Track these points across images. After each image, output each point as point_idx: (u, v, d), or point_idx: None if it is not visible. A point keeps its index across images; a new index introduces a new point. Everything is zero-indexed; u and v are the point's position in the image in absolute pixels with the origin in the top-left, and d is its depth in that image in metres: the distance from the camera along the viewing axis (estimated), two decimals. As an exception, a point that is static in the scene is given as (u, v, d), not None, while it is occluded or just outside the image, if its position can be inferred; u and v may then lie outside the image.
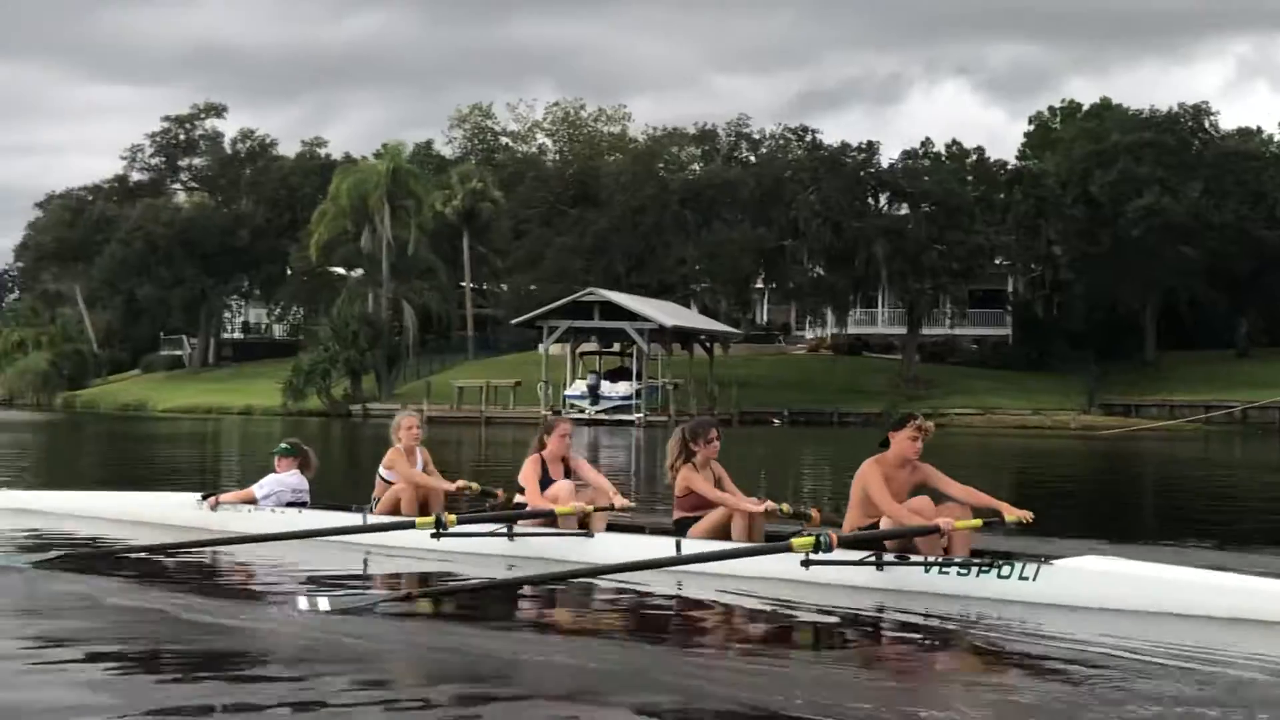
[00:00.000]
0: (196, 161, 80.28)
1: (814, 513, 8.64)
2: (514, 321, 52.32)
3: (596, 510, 8.76)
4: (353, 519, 9.34)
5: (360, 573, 8.56)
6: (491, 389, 50.60)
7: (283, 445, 10.49)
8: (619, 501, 8.93)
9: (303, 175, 75.22)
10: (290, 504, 9.97)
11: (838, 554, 7.37)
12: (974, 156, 63.94)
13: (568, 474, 9.09)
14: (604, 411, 48.17)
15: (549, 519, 8.70)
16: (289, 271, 76.80)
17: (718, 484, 8.57)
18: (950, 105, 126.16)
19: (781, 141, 63.85)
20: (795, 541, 7.42)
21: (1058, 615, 6.90)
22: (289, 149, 79.87)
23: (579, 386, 49.69)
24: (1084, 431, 48.50)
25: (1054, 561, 7.33)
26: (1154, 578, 7.19)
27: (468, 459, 25.06)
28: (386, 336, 61.05)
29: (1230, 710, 4.96)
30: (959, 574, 7.34)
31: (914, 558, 7.53)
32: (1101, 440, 40.97)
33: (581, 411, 48.63)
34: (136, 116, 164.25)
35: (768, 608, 7.31)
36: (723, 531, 8.24)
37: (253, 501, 10.03)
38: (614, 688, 5.34)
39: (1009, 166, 64.87)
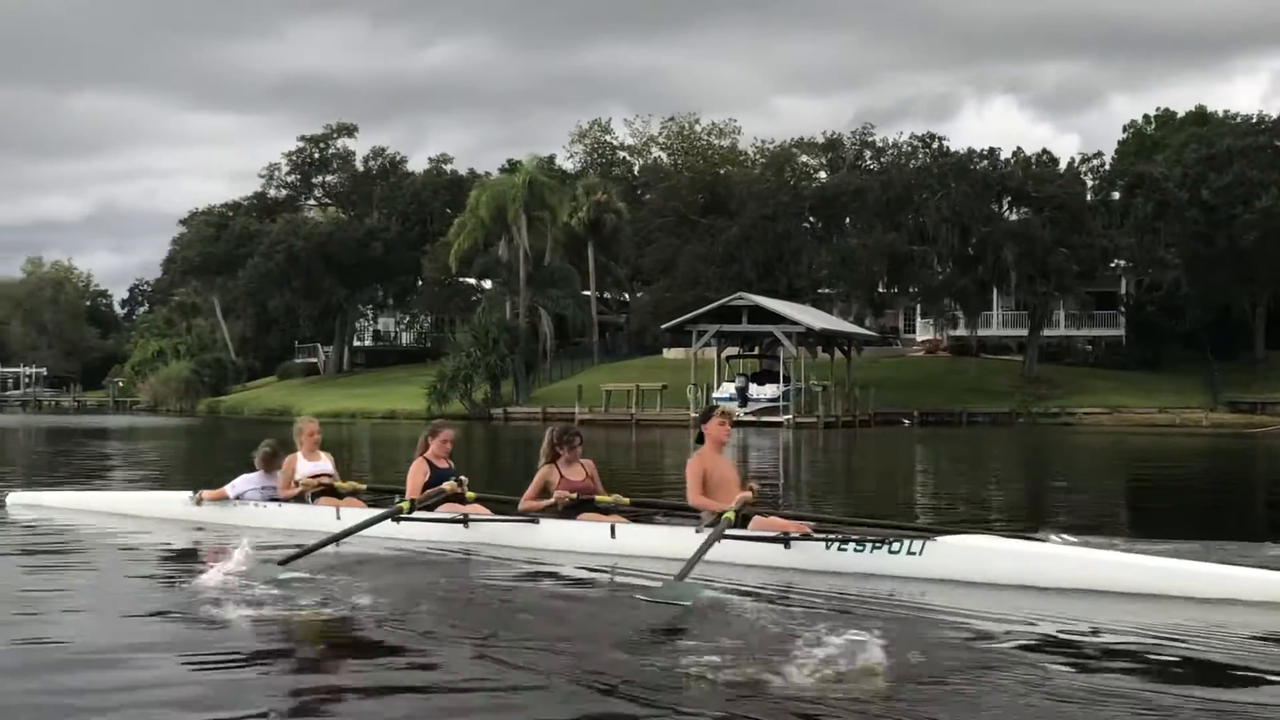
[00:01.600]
0: (329, 178, 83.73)
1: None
2: (664, 326, 54.48)
3: (461, 500, 9.93)
4: (348, 512, 10.22)
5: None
6: (640, 392, 52.83)
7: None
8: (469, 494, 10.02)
9: (432, 191, 78.29)
10: (271, 500, 10.86)
11: (748, 531, 8.31)
12: (1093, 161, 65.59)
13: (450, 475, 10.07)
14: (752, 413, 50.19)
15: (437, 502, 9.80)
16: (420, 282, 79.96)
17: (590, 480, 9.63)
18: (1000, 121, 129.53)
19: (908, 149, 65.72)
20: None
21: (941, 587, 7.57)
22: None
23: (728, 389, 51.70)
24: (1216, 429, 49.67)
25: (938, 538, 8.01)
26: (1023, 553, 7.85)
27: (619, 465, 24.40)
28: (524, 343, 63.67)
29: (1074, 670, 5.56)
30: (855, 550, 8.06)
31: (817, 536, 8.33)
32: (1249, 439, 41.75)
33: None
34: (237, 143, 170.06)
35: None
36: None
37: (226, 499, 11.06)
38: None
39: (1129, 171, 66.06)
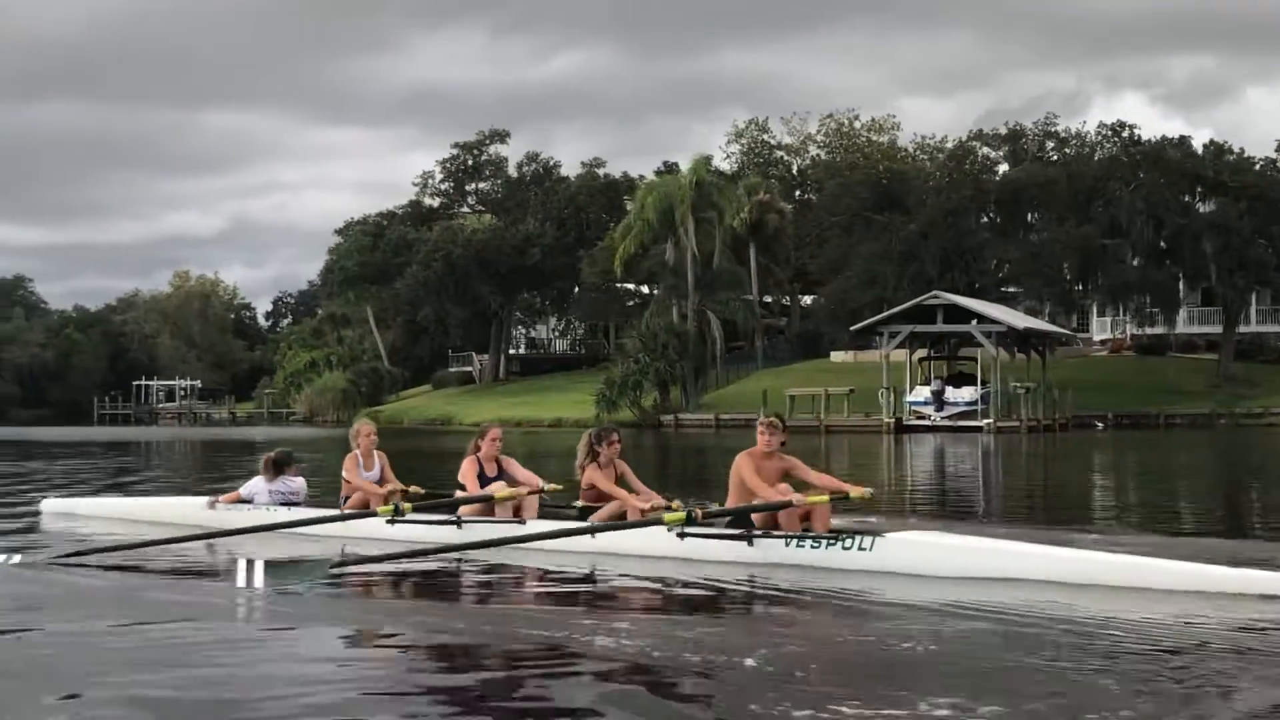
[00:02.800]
0: (481, 185, 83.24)
1: (698, 510, 9.28)
2: (854, 328, 52.36)
3: (529, 494, 10.23)
4: (327, 513, 10.86)
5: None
6: (827, 397, 50.79)
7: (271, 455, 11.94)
8: (548, 486, 10.45)
9: (589, 194, 77.26)
10: (283, 504, 11.35)
11: (709, 529, 8.87)
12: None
13: (501, 473, 10.50)
14: (948, 418, 47.97)
15: (488, 503, 10.10)
16: (577, 288, 78.97)
17: (621, 479, 10.02)
18: (1131, 118, 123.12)
19: (1096, 138, 62.81)
20: (668, 517, 8.91)
21: (888, 580, 8.12)
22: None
23: (922, 392, 49.51)
24: None
25: (885, 535, 8.63)
26: (962, 547, 8.54)
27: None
28: (692, 347, 62.09)
29: (1000, 650, 6.07)
30: (812, 547, 8.59)
31: (776, 533, 8.78)
32: None
33: (925, 418, 48.58)
34: (363, 156, 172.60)
35: (651, 577, 8.59)
36: (618, 519, 9.60)
37: (240, 502, 11.67)
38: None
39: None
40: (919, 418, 48.57)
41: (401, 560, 9.10)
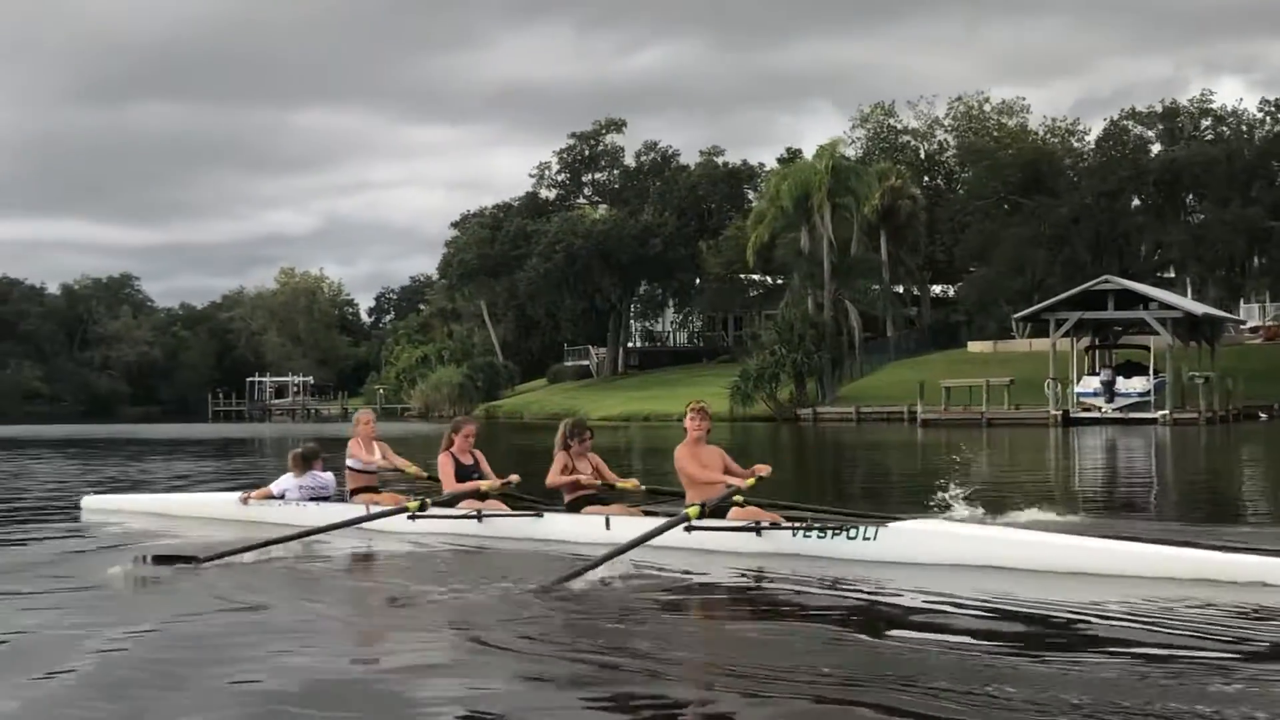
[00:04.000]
0: (598, 176, 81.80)
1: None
2: (1018, 315, 49.97)
3: (502, 486, 10.68)
4: (354, 510, 10.90)
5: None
6: (988, 388, 48.47)
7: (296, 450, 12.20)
8: (514, 478, 10.78)
9: (711, 183, 75.52)
10: (313, 499, 11.54)
11: (724, 521, 9.06)
12: None
13: (477, 465, 10.85)
14: (1119, 409, 45.50)
15: (478, 495, 10.48)
16: (698, 279, 77.27)
17: (596, 471, 10.45)
18: (1230, 104, 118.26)
19: (1256, 116, 59.80)
20: (690, 511, 9.03)
21: (893, 568, 8.23)
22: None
23: (1091, 383, 47.01)
24: None
25: (889, 524, 8.63)
26: (967, 535, 8.57)
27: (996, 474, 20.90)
28: (829, 338, 60.08)
29: (1002, 638, 6.18)
30: (818, 537, 8.70)
31: (784, 524, 8.99)
32: None
33: (1095, 410, 46.19)
34: (453, 153, 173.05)
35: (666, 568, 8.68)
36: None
37: (271, 498, 11.81)
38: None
39: None
40: (1084, 409, 46.17)
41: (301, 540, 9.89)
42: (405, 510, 10.39)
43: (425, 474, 11.69)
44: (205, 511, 12.45)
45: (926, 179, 75.96)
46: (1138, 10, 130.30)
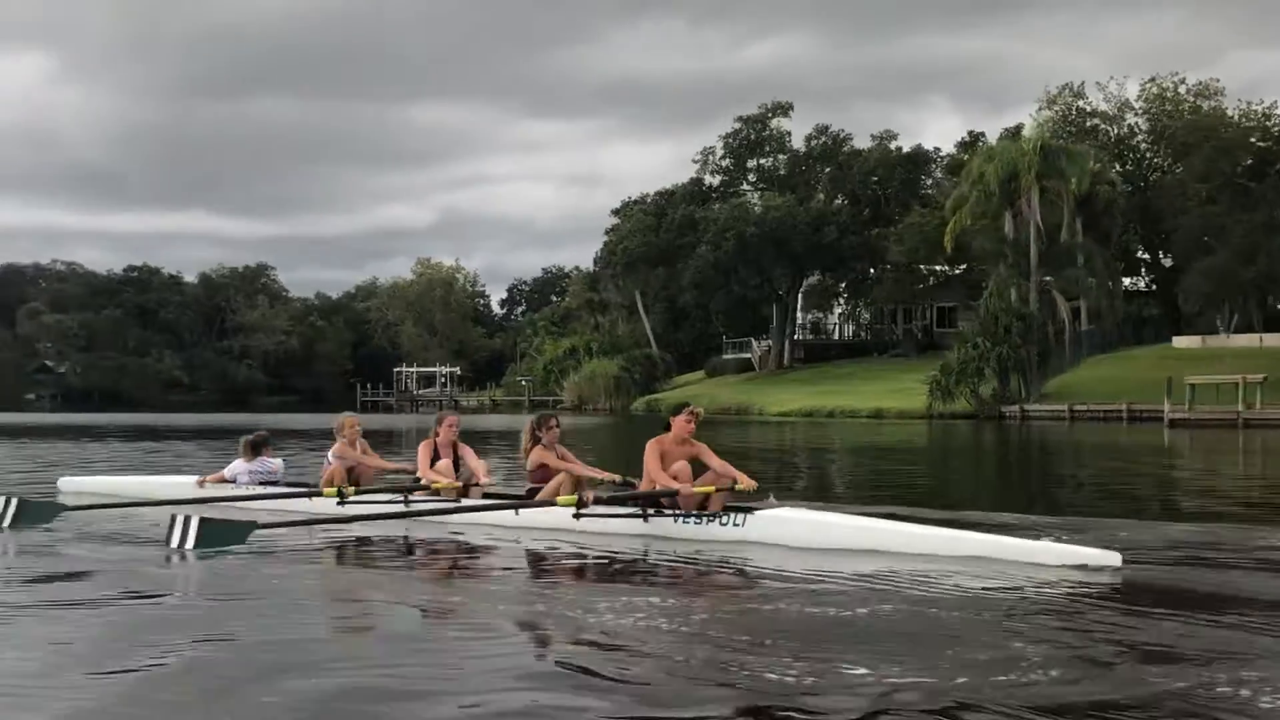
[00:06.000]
0: (763, 161, 78.55)
1: (589, 494, 10.29)
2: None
3: (470, 486, 11.28)
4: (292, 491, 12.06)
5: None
6: (1244, 385, 44.36)
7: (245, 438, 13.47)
8: (485, 480, 11.35)
9: (888, 169, 71.96)
10: (261, 483, 12.82)
11: (610, 508, 10.09)
12: None
13: (455, 457, 11.68)
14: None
15: (430, 490, 11.32)
16: (871, 269, 73.78)
17: (566, 460, 11.07)
18: None
19: None
20: (560, 500, 10.17)
21: (759, 550, 9.25)
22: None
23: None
24: None
25: (755, 511, 9.73)
26: (822, 522, 9.60)
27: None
28: (1037, 331, 56.18)
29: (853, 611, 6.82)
30: (696, 523, 9.80)
31: (667, 511, 10.00)
32: None
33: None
34: (565, 147, 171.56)
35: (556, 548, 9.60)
36: (556, 494, 10.58)
37: (224, 482, 13.09)
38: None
39: None
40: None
41: (325, 526, 10.49)
42: (338, 494, 11.32)
43: (398, 468, 12.70)
44: (166, 493, 13.04)
45: (1116, 166, 71.58)
46: (1260, 2, 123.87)
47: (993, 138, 70.85)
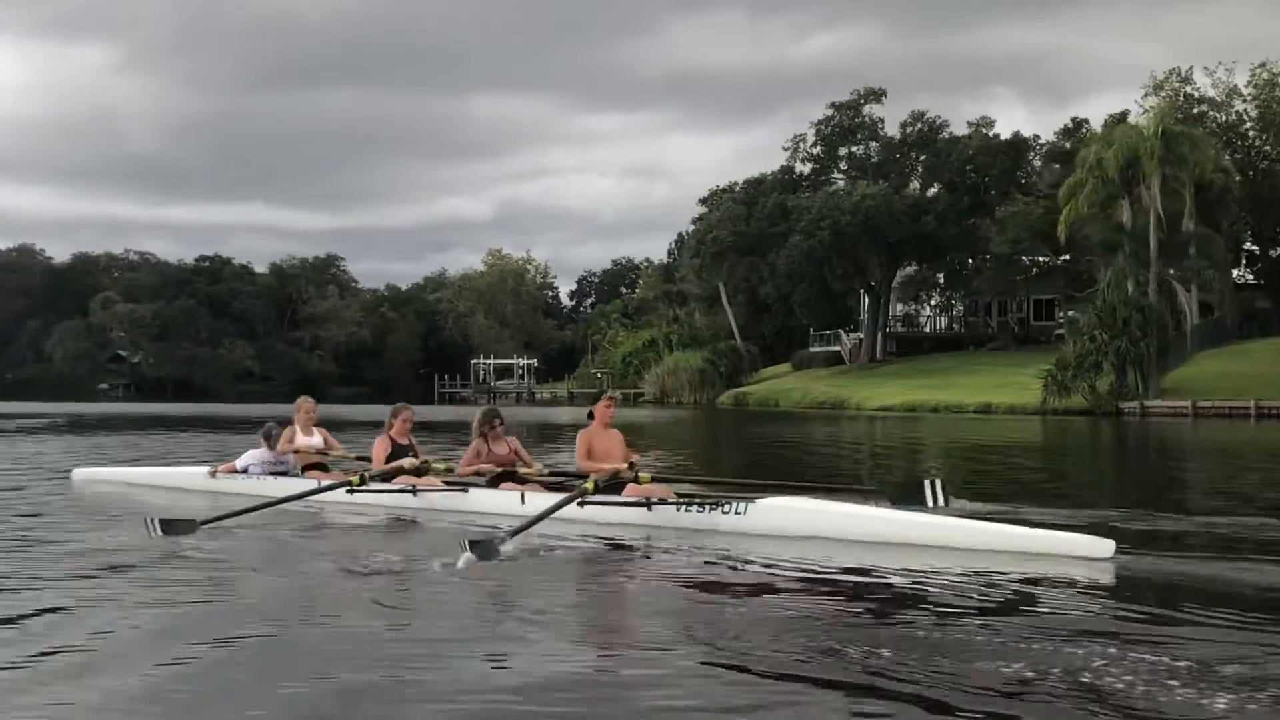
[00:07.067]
0: (854, 149, 76.48)
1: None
2: None
3: (419, 473, 11.77)
4: (305, 484, 11.98)
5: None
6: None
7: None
8: (439, 467, 11.88)
9: (989, 155, 69.71)
10: (273, 473, 12.94)
11: (618, 496, 10.37)
12: None
13: (410, 448, 12.17)
14: None
15: (392, 475, 11.68)
16: (971, 259, 71.56)
17: (515, 453, 11.63)
18: None
19: None
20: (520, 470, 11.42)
21: (760, 539, 9.46)
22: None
23: None
24: None
25: (756, 500, 9.94)
26: (820, 511, 9.80)
27: None
28: (1156, 324, 53.84)
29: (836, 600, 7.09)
30: (698, 511, 9.97)
31: (671, 500, 10.24)
32: None
33: None
34: (624, 140, 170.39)
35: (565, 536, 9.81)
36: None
37: (236, 472, 13.23)
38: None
39: None
40: None
41: (263, 511, 10.57)
42: (348, 484, 11.40)
43: (353, 455, 13.38)
44: (177, 483, 13.49)
45: (1226, 154, 68.96)
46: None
47: (1049, 130, 68.62)
